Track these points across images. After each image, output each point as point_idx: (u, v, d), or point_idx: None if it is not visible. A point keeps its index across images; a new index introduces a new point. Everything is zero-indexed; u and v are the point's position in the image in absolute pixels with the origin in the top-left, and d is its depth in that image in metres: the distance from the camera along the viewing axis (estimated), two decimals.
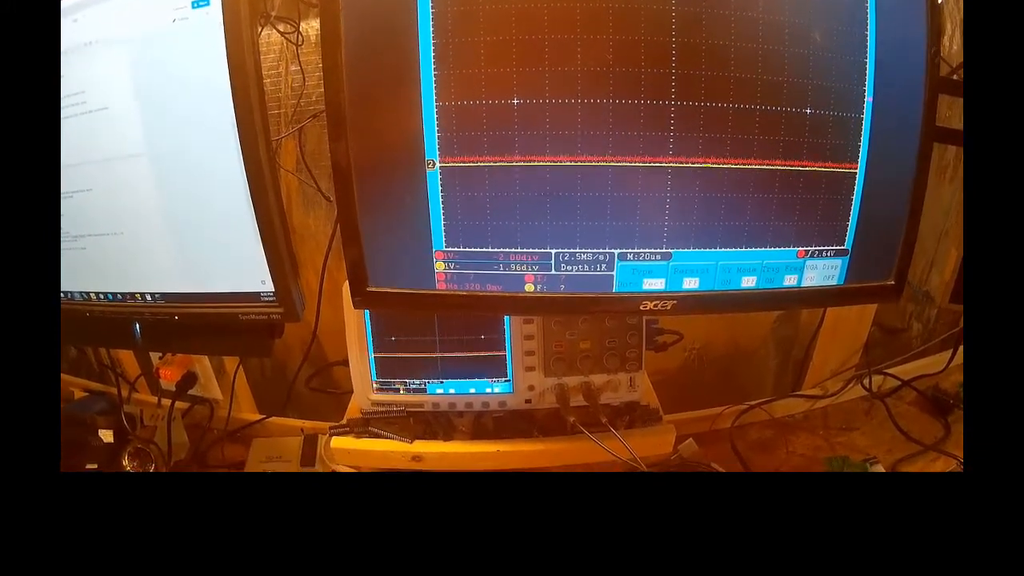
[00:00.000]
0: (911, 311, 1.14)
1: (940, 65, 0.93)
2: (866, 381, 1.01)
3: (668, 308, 0.66)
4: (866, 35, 0.62)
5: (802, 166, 0.63)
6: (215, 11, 0.62)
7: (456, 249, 0.63)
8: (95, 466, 0.92)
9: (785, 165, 0.63)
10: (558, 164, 0.60)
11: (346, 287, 0.69)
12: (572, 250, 0.63)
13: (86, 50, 0.67)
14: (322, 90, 0.61)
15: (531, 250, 0.63)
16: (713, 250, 0.64)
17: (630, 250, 0.63)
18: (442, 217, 0.62)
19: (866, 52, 0.62)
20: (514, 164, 0.60)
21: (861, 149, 0.64)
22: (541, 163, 0.60)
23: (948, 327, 1.05)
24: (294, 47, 0.87)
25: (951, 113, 1.04)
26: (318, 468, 0.91)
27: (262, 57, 0.91)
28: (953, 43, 1.05)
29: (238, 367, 0.89)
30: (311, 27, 0.87)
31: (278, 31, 0.86)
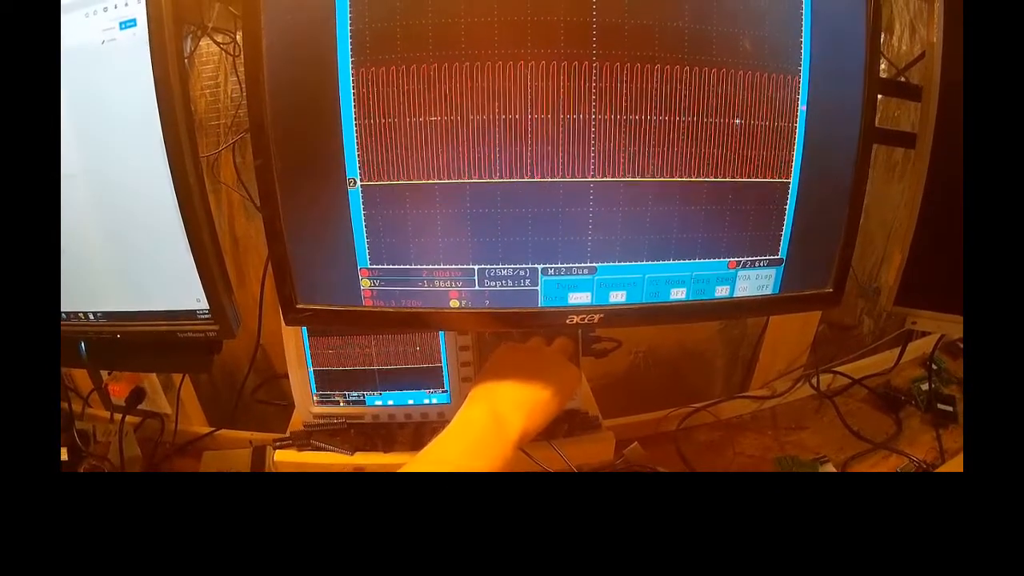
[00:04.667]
0: (862, 307, 1.16)
1: (886, 69, 0.96)
2: (815, 380, 1.03)
3: (596, 321, 0.67)
4: (800, 42, 0.62)
5: (732, 179, 0.64)
6: (142, 31, 0.63)
7: (380, 267, 0.64)
8: None
9: (713, 178, 0.63)
10: (478, 182, 0.61)
11: None
12: (494, 266, 0.64)
13: None
14: None
15: (453, 266, 0.64)
16: (639, 263, 0.66)
17: (553, 265, 0.64)
18: (365, 235, 0.63)
19: (800, 60, 0.62)
20: (434, 183, 0.61)
21: (795, 160, 0.65)
22: (460, 182, 0.61)
23: (898, 325, 1.07)
24: (231, 58, 0.87)
25: (899, 113, 1.05)
26: None
27: (201, 68, 0.92)
28: (902, 43, 1.06)
29: (182, 382, 0.90)
30: None
31: (215, 42, 0.86)
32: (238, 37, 0.86)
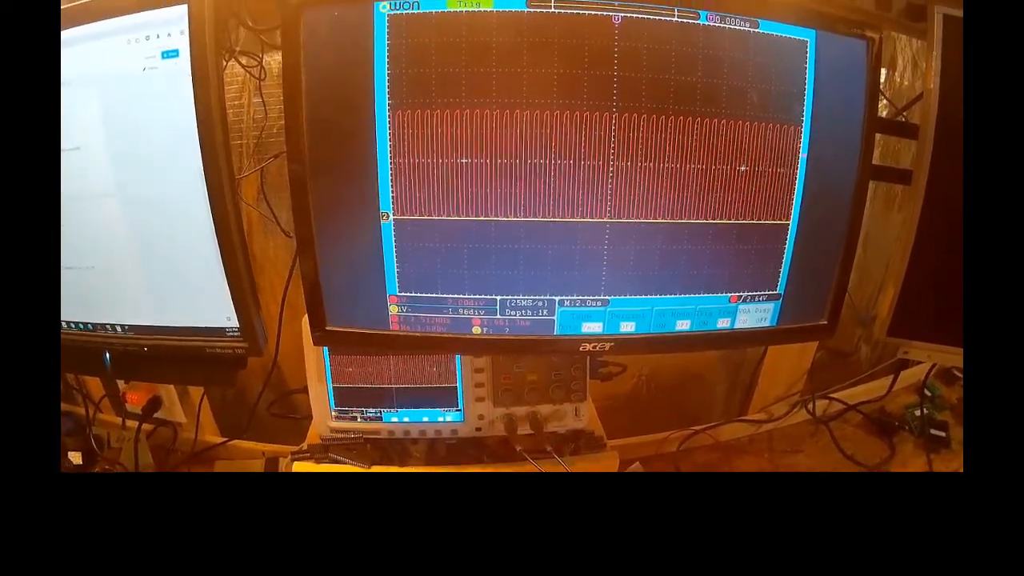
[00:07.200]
0: (859, 335, 1.26)
1: (886, 106, 1.05)
2: (811, 406, 1.12)
3: (606, 349, 0.76)
4: (803, 95, 0.71)
5: (735, 220, 0.73)
6: (183, 62, 0.70)
7: (408, 294, 0.73)
8: None
9: (719, 220, 0.72)
10: (503, 220, 0.69)
11: (306, 321, 0.78)
12: (515, 296, 0.73)
13: (63, 90, 0.73)
14: (283, 122, 0.69)
15: (477, 296, 0.73)
16: (648, 296, 0.75)
17: (568, 297, 0.73)
18: (395, 264, 0.72)
19: (802, 112, 0.71)
20: (462, 219, 0.69)
21: (794, 203, 0.74)
22: (487, 219, 0.69)
23: (895, 353, 1.16)
24: (256, 80, 0.95)
25: (900, 147, 1.14)
26: None
27: (225, 88, 0.99)
28: (904, 79, 1.15)
29: (204, 394, 0.97)
30: (273, 60, 0.94)
31: (241, 64, 0.94)
32: (264, 60, 0.94)
